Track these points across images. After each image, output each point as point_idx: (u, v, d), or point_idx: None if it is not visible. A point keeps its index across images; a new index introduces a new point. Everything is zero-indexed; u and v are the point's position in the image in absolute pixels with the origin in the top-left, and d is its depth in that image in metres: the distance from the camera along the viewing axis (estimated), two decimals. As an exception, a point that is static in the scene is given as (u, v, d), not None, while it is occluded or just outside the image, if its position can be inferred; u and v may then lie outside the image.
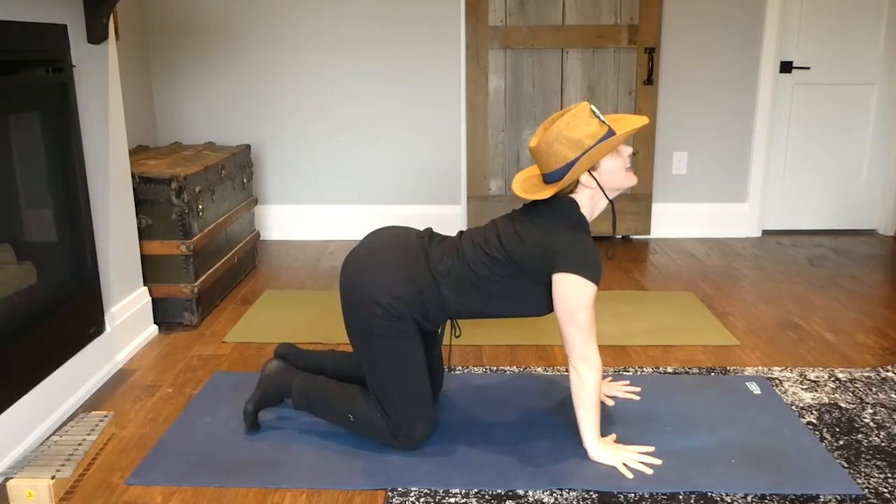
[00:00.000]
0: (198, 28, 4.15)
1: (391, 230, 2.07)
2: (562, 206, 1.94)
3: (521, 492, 1.85)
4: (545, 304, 1.99)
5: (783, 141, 4.33)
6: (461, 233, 2.06)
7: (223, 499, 1.85)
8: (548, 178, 1.95)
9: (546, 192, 1.91)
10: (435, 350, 2.20)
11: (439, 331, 2.16)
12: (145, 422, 2.23)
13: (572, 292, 1.87)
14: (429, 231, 2.08)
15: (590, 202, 1.96)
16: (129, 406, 2.34)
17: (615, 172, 1.93)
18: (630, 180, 1.96)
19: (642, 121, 1.91)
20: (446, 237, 2.06)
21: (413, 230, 2.08)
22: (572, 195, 1.95)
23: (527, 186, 1.98)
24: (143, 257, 2.88)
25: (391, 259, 1.97)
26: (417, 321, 1.98)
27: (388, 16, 4.13)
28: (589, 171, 1.92)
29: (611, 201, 1.98)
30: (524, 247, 1.92)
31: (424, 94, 4.23)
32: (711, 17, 4.13)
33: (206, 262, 3.10)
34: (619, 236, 4.32)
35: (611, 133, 1.87)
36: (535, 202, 1.99)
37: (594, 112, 1.88)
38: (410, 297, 1.94)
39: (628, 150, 1.95)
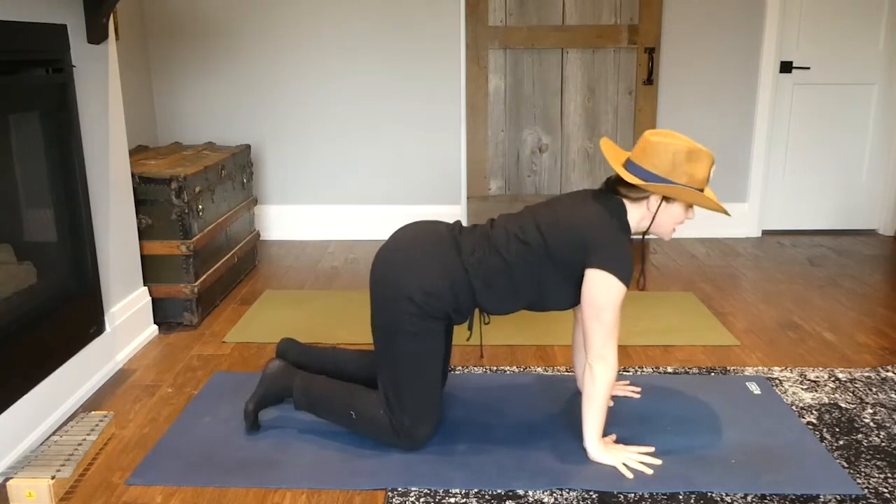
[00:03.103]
0: (198, 28, 4.15)
1: (420, 224, 2.07)
2: (612, 206, 1.95)
3: (521, 492, 1.85)
4: (570, 298, 1.99)
5: (783, 141, 4.33)
6: (492, 220, 2.06)
7: (223, 499, 1.85)
8: (631, 168, 1.94)
9: (629, 176, 1.92)
10: (448, 345, 2.20)
11: (468, 322, 2.14)
12: (145, 422, 2.23)
13: (603, 290, 1.88)
14: (458, 223, 2.08)
15: (637, 220, 1.98)
16: (129, 406, 2.34)
17: (672, 218, 1.97)
18: (669, 234, 2.01)
19: (722, 210, 1.95)
20: (476, 226, 2.06)
21: (442, 223, 2.07)
22: (628, 203, 1.96)
23: (614, 156, 2.00)
24: (143, 257, 2.88)
25: (423, 253, 1.96)
26: (449, 315, 1.97)
27: (388, 16, 4.13)
28: (664, 197, 1.94)
29: (643, 235, 2.01)
30: (563, 234, 1.92)
31: (424, 94, 4.23)
32: (711, 18, 4.13)
33: (206, 262, 3.10)
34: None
35: (701, 192, 1.92)
36: (584, 196, 2.01)
37: (712, 169, 1.93)
38: (443, 291, 1.93)
39: (693, 213, 2.00)
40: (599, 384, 1.93)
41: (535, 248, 1.93)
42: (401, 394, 1.97)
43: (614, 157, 2.00)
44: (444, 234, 2.01)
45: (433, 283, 1.93)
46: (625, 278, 1.89)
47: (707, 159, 1.91)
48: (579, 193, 2.03)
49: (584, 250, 1.90)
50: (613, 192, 1.98)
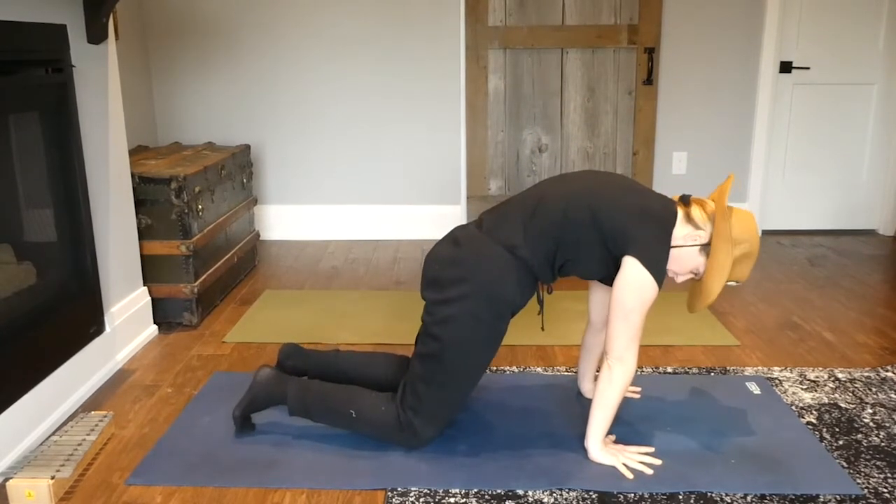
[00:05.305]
0: (198, 28, 4.15)
1: (450, 234, 2.05)
2: (671, 209, 1.95)
3: (521, 492, 1.85)
4: (597, 268, 1.97)
5: (783, 141, 4.33)
6: (530, 189, 2.05)
7: (223, 499, 1.85)
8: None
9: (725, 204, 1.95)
10: None
11: (537, 296, 2.11)
12: (145, 422, 2.23)
13: (636, 290, 1.86)
14: (480, 217, 2.06)
15: (681, 230, 1.94)
16: (129, 406, 2.34)
17: (687, 263, 1.94)
18: (672, 273, 1.98)
19: (706, 303, 1.94)
20: (502, 205, 2.04)
21: (467, 224, 2.06)
22: (684, 220, 1.94)
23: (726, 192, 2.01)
24: (143, 257, 2.88)
25: (472, 262, 1.94)
26: (517, 301, 1.95)
27: (387, 16, 4.13)
28: (708, 242, 1.92)
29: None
30: (619, 207, 1.90)
31: (424, 94, 4.23)
32: (711, 17, 4.13)
33: (206, 262, 3.10)
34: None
35: (730, 281, 1.94)
36: (642, 186, 2.01)
37: (732, 283, 1.97)
38: (503, 281, 1.92)
39: (689, 279, 2.00)
40: (616, 387, 1.92)
41: (582, 215, 1.91)
42: (426, 393, 1.96)
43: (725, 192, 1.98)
44: (475, 231, 2.00)
45: (493, 284, 1.91)
46: (659, 278, 1.88)
47: (747, 273, 1.96)
48: (631, 181, 2.02)
49: (628, 231, 1.88)
50: (684, 202, 1.97)
